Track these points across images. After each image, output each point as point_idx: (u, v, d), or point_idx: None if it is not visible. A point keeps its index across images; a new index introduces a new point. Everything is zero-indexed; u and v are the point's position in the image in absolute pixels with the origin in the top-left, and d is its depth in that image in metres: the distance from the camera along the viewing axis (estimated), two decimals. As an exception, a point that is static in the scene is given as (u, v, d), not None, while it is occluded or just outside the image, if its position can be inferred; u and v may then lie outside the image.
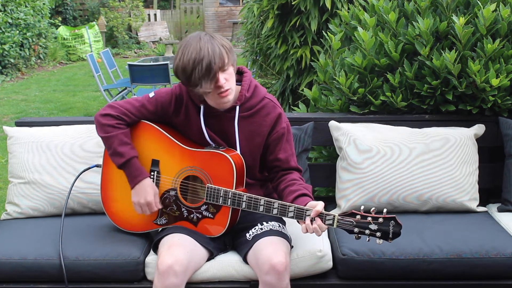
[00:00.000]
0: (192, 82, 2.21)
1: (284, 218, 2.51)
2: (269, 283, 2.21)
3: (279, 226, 2.40)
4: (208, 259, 2.38)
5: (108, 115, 2.39)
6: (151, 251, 2.45)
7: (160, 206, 2.41)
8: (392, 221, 2.14)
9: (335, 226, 2.18)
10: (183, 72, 2.21)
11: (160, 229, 2.49)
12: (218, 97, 2.28)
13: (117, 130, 2.37)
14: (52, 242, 2.46)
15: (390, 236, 2.15)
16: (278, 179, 2.43)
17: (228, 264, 2.39)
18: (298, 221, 2.26)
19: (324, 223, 2.18)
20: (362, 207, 2.21)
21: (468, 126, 2.88)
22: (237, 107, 2.38)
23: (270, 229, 2.36)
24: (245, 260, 2.36)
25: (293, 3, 4.38)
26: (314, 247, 2.40)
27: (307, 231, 2.19)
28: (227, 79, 2.25)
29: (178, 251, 2.25)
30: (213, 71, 2.18)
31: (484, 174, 2.87)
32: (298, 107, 3.48)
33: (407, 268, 2.40)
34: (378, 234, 2.15)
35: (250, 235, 2.36)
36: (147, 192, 2.36)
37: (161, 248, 2.31)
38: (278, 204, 2.25)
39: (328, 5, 4.27)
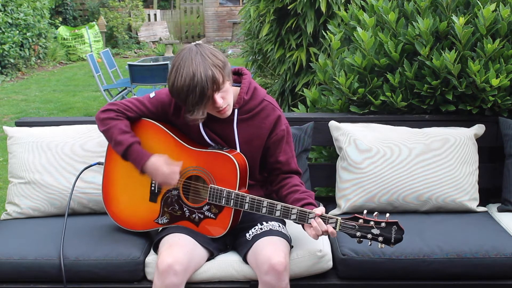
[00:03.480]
0: (187, 108, 2.20)
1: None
2: (268, 283, 2.21)
3: (279, 226, 2.40)
4: (208, 259, 2.38)
5: (107, 110, 2.40)
6: (151, 251, 2.45)
7: (179, 168, 2.34)
8: (395, 226, 2.15)
9: (337, 229, 2.19)
10: (178, 97, 2.19)
11: (160, 228, 2.49)
12: (218, 113, 2.29)
13: (116, 121, 2.37)
14: (52, 242, 2.46)
15: (392, 241, 2.16)
16: (279, 183, 2.43)
17: (228, 264, 2.39)
18: (303, 227, 2.27)
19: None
20: (365, 212, 2.20)
21: (468, 126, 2.88)
22: (236, 110, 2.37)
23: (270, 229, 2.36)
24: (245, 260, 2.36)
25: (288, 8, 4.38)
26: (314, 247, 2.40)
27: (316, 235, 2.20)
28: (224, 97, 2.23)
29: (178, 251, 2.25)
30: (207, 96, 2.16)
31: (484, 174, 2.87)
32: (297, 108, 3.48)
33: (407, 268, 2.40)
34: (380, 238, 2.16)
35: (250, 235, 2.36)
36: (158, 168, 2.32)
37: (161, 248, 2.31)
38: (281, 206, 2.25)
39: (323, 8, 4.27)
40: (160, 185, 2.40)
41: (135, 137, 2.38)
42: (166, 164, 2.32)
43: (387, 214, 2.18)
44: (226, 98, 2.24)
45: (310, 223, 2.22)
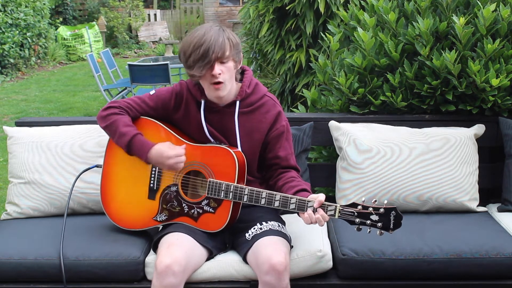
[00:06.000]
0: (188, 63, 2.29)
1: (284, 218, 2.51)
2: (269, 283, 2.21)
3: (279, 226, 2.40)
4: (208, 259, 2.38)
5: (109, 107, 2.45)
6: (151, 251, 2.45)
7: (183, 151, 2.34)
8: (393, 212, 2.15)
9: (336, 216, 2.18)
10: (184, 53, 2.29)
11: (160, 227, 2.49)
12: (211, 88, 2.32)
13: (119, 116, 2.41)
14: (52, 242, 2.45)
15: (391, 226, 2.16)
16: (277, 177, 2.44)
17: (228, 264, 2.39)
18: (298, 214, 2.26)
19: (326, 214, 2.18)
20: (363, 199, 2.21)
21: (468, 126, 2.88)
22: (237, 102, 2.40)
23: (270, 228, 2.36)
24: (245, 260, 2.36)
25: (287, 8, 4.38)
26: (314, 247, 2.40)
27: (310, 222, 2.20)
28: (223, 72, 2.29)
29: (177, 251, 2.25)
30: (209, 58, 2.23)
31: (484, 174, 2.87)
32: (297, 109, 3.48)
33: (407, 268, 2.40)
34: (379, 224, 2.16)
35: (249, 235, 2.36)
36: (163, 154, 2.33)
37: (160, 248, 2.31)
38: (280, 196, 2.25)
39: (322, 8, 4.27)
40: (167, 169, 2.37)
41: (137, 130, 2.40)
42: (170, 148, 2.34)
43: (385, 201, 2.18)
44: (224, 73, 2.30)
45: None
